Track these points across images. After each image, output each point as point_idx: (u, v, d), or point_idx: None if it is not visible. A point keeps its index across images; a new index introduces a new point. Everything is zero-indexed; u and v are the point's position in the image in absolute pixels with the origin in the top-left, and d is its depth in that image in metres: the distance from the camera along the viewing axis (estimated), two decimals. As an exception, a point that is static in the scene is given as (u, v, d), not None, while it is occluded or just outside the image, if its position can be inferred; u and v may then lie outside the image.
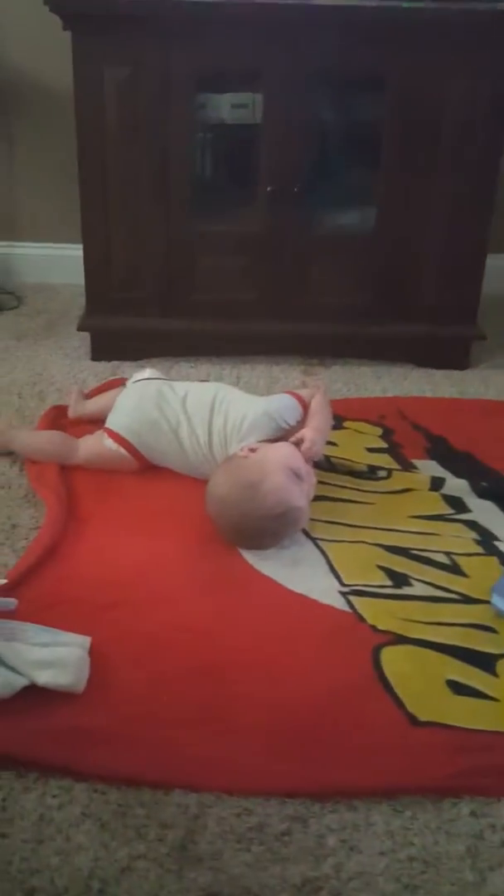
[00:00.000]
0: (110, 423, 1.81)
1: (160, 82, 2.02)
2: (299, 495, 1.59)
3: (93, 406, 1.98)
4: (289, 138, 2.10)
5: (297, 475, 1.59)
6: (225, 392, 1.81)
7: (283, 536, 1.61)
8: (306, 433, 1.67)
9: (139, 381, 1.89)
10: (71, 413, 1.98)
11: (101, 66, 1.99)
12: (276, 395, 1.83)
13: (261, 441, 1.69)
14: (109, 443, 1.78)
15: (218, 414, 1.74)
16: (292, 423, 1.73)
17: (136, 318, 2.26)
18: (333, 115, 2.26)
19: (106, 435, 1.79)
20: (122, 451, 1.77)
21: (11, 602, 1.41)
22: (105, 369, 2.26)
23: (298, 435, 1.68)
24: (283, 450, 1.64)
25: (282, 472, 1.58)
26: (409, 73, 2.04)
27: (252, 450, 1.65)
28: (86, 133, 2.08)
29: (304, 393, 1.80)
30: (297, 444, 1.66)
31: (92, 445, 1.80)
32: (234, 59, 2.05)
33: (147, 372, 1.92)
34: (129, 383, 1.91)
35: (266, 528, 1.58)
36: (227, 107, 2.16)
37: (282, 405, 1.75)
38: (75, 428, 1.92)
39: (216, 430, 1.73)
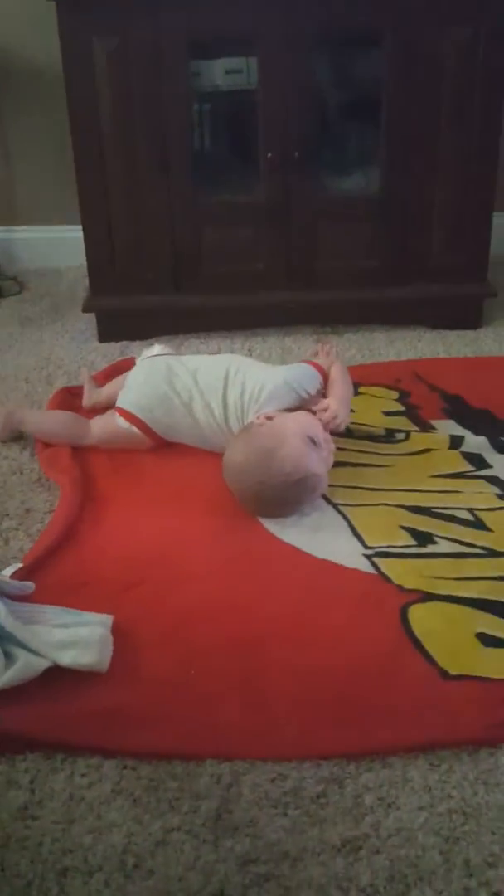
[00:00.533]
0: (121, 401, 1.78)
1: (151, 51, 1.99)
2: (317, 462, 1.56)
3: (107, 392, 1.94)
4: (286, 102, 2.06)
5: (314, 442, 1.57)
6: (238, 363, 1.77)
7: (302, 504, 1.59)
8: (331, 403, 1.66)
9: (148, 357, 1.86)
10: (86, 402, 1.94)
11: (89, 36, 1.96)
12: (295, 365, 1.80)
13: (279, 410, 1.66)
14: (121, 422, 1.75)
15: (233, 386, 1.71)
16: (312, 392, 1.71)
17: (142, 296, 2.23)
18: (331, 76, 2.21)
19: (117, 414, 1.76)
20: (135, 429, 1.74)
21: (29, 585, 1.39)
22: (113, 350, 2.23)
23: (323, 404, 1.66)
24: (300, 417, 1.62)
25: (298, 439, 1.56)
26: (407, 27, 2.00)
27: (269, 417, 1.62)
28: (78, 109, 2.05)
29: (321, 362, 1.76)
30: (321, 413, 1.64)
31: (104, 425, 1.78)
32: (226, 22, 2.01)
33: (156, 348, 1.89)
34: (138, 361, 1.88)
35: (284, 495, 1.55)
36: (220, 73, 2.12)
37: (301, 374, 1.72)
38: (83, 411, 1.89)
39: (232, 402, 1.70)
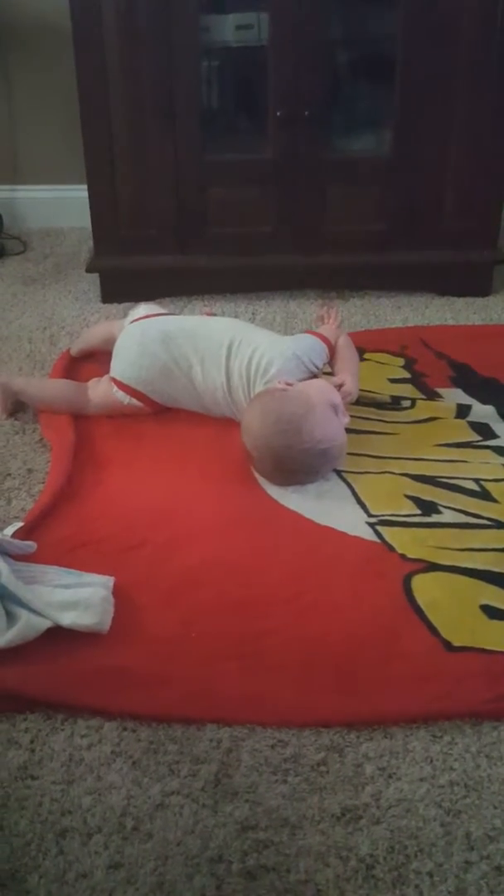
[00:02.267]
0: (116, 372, 1.73)
1: (161, 4, 1.94)
2: (341, 430, 1.56)
3: (76, 349, 1.95)
4: (297, 59, 2.02)
5: (336, 410, 1.56)
6: (242, 331, 1.72)
7: (320, 473, 1.58)
8: (346, 379, 1.65)
9: (137, 320, 1.79)
10: (73, 350, 1.95)
11: (98, -11, 1.92)
12: (301, 336, 1.75)
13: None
14: (121, 395, 1.72)
15: (236, 356, 1.67)
16: (319, 365, 1.69)
17: (146, 256, 2.21)
18: (343, 33, 2.16)
19: (115, 387, 1.73)
20: (135, 401, 1.72)
21: (31, 545, 1.38)
22: (116, 311, 2.21)
23: (337, 380, 1.65)
24: (321, 385, 1.61)
25: (326, 406, 1.55)
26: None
27: (289, 384, 1.60)
28: (85, 64, 2.01)
29: (326, 332, 1.74)
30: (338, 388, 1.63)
31: (102, 397, 1.74)
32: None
33: (142, 308, 1.82)
34: (125, 323, 1.82)
35: (310, 462, 1.54)
36: (231, 28, 2.07)
37: (309, 347, 1.69)
38: (86, 373, 1.87)
39: (236, 372, 1.66)
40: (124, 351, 1.74)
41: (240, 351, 1.67)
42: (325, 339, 1.71)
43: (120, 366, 1.73)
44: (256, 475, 1.60)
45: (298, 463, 1.54)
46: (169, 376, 1.70)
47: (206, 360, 1.68)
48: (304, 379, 1.64)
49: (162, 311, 1.84)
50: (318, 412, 1.53)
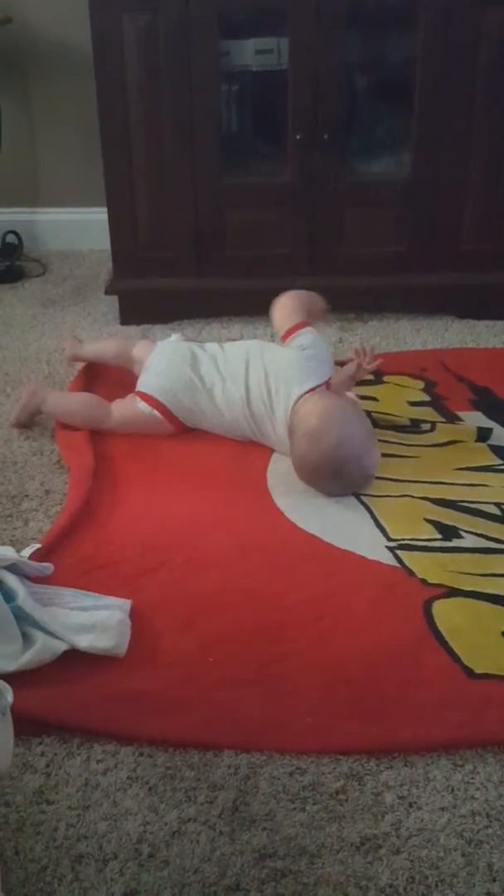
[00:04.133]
0: (143, 385, 1.76)
1: (181, 28, 1.96)
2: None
3: (92, 348, 1.98)
4: (316, 83, 2.03)
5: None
6: (257, 348, 1.75)
7: (346, 486, 1.60)
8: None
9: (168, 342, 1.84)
10: (68, 352, 1.98)
11: (118, 13, 1.94)
12: (297, 334, 1.74)
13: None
14: (143, 406, 1.73)
15: (254, 369, 1.69)
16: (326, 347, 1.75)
17: (164, 278, 2.22)
18: (362, 56, 2.18)
19: (139, 398, 1.74)
20: (157, 413, 1.72)
21: (47, 567, 1.38)
22: (135, 332, 2.21)
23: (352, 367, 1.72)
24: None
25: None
26: (441, 6, 1.96)
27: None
28: (106, 88, 2.03)
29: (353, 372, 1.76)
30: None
31: (125, 409, 1.76)
32: (256, 0, 1.98)
33: (174, 338, 1.87)
34: (158, 345, 1.85)
35: (356, 465, 1.58)
36: (251, 53, 2.08)
37: (306, 338, 1.71)
38: (109, 391, 1.87)
39: (254, 385, 1.68)
40: (153, 365, 1.78)
41: (257, 364, 1.70)
42: (299, 325, 1.72)
43: (146, 378, 1.77)
44: (274, 497, 1.59)
45: (344, 461, 1.56)
46: (193, 391, 1.72)
47: (226, 378, 1.71)
48: (324, 371, 1.69)
49: (192, 340, 1.89)
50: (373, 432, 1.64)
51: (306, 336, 1.71)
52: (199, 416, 1.74)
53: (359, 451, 1.57)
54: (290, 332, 1.72)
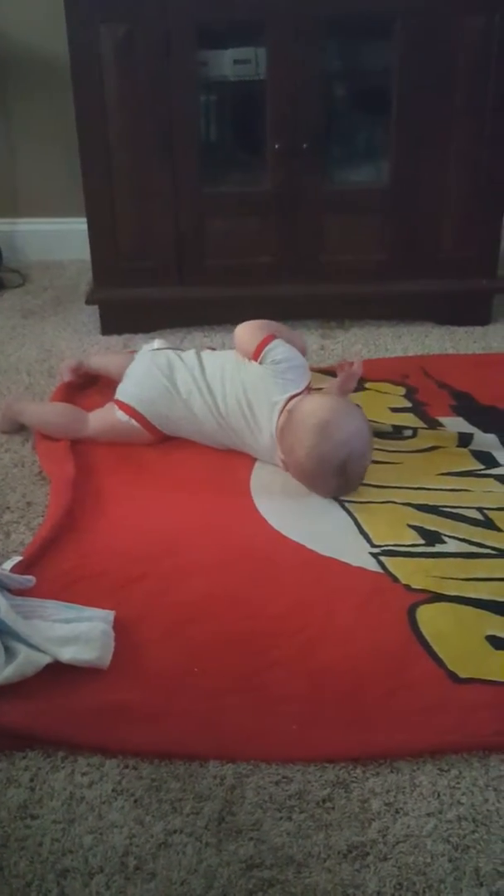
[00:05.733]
0: (120, 394, 1.76)
1: (159, 39, 1.97)
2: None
3: (96, 363, 1.97)
4: (294, 93, 2.04)
5: None
6: (234, 363, 1.72)
7: (343, 483, 1.60)
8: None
9: (149, 351, 1.84)
10: (92, 362, 1.99)
11: (96, 24, 1.94)
12: (265, 353, 1.70)
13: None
14: (120, 414, 1.73)
15: (231, 384, 1.68)
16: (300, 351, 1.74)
17: (145, 288, 2.21)
18: (341, 66, 2.19)
19: (116, 407, 1.74)
20: (134, 422, 1.72)
21: (30, 579, 1.37)
22: (116, 343, 2.21)
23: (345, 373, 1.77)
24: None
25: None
26: (418, 16, 1.97)
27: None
28: (84, 99, 2.02)
29: (342, 382, 1.79)
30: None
31: (102, 418, 1.75)
32: (234, 11, 1.99)
33: (157, 343, 1.87)
34: (138, 354, 1.85)
35: (358, 462, 1.59)
36: (229, 63, 2.08)
37: (278, 354, 1.68)
38: (87, 401, 1.87)
39: (231, 400, 1.67)
40: (131, 374, 1.78)
41: (234, 380, 1.68)
42: (266, 341, 1.69)
43: (124, 386, 1.77)
44: (257, 504, 1.59)
45: (348, 457, 1.56)
46: (170, 400, 1.71)
47: (203, 390, 1.70)
48: (303, 379, 1.69)
49: (173, 347, 1.87)
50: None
51: (278, 349, 1.68)
52: (176, 425, 1.74)
53: (364, 449, 1.59)
54: (260, 348, 1.68)
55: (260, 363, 1.68)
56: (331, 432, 1.56)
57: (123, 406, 1.73)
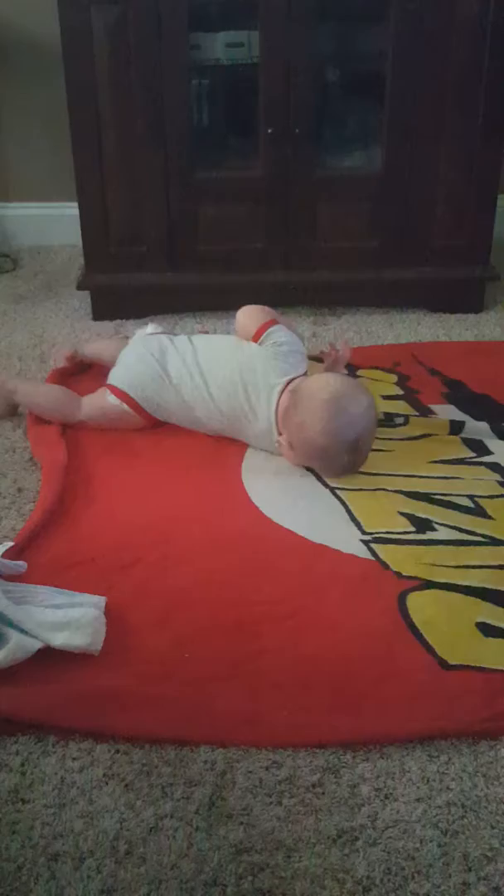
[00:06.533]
0: (113, 378, 1.76)
1: (151, 21, 1.94)
2: None
3: (90, 351, 1.97)
4: (287, 77, 2.02)
5: None
6: (234, 345, 1.73)
7: (351, 459, 1.61)
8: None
9: (142, 336, 1.84)
10: (86, 350, 1.98)
11: (87, 6, 1.91)
12: (266, 335, 1.71)
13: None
14: (112, 398, 1.72)
15: (228, 367, 1.68)
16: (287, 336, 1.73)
17: (137, 273, 2.20)
18: (334, 50, 2.17)
19: (108, 391, 1.73)
20: (126, 407, 1.72)
21: (21, 565, 1.37)
22: (108, 328, 2.20)
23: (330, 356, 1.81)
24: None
25: None
26: (411, 0, 1.95)
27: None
28: (75, 82, 2.00)
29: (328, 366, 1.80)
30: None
31: (94, 401, 1.75)
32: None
33: (150, 328, 1.87)
34: (132, 339, 1.85)
35: (367, 438, 1.60)
36: (221, 46, 2.07)
37: (279, 337, 1.69)
38: (79, 386, 1.86)
39: (227, 383, 1.67)
40: (123, 359, 1.78)
41: (231, 363, 1.68)
42: (268, 324, 1.70)
43: (116, 371, 1.76)
44: (249, 491, 1.59)
45: (359, 430, 1.58)
46: (161, 386, 1.71)
47: (195, 375, 1.69)
48: (302, 364, 1.70)
49: (167, 332, 1.87)
50: None
51: (279, 333, 1.70)
52: (167, 411, 1.73)
53: (374, 425, 1.61)
54: (261, 331, 1.70)
55: (260, 344, 1.69)
56: (344, 407, 1.56)
57: (115, 390, 1.73)
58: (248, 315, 1.74)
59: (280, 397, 1.63)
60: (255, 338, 1.70)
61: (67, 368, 1.95)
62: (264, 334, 1.69)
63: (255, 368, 1.67)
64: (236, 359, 1.69)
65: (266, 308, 1.76)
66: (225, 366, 1.68)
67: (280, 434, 1.63)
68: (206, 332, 1.91)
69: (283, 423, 1.63)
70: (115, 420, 1.73)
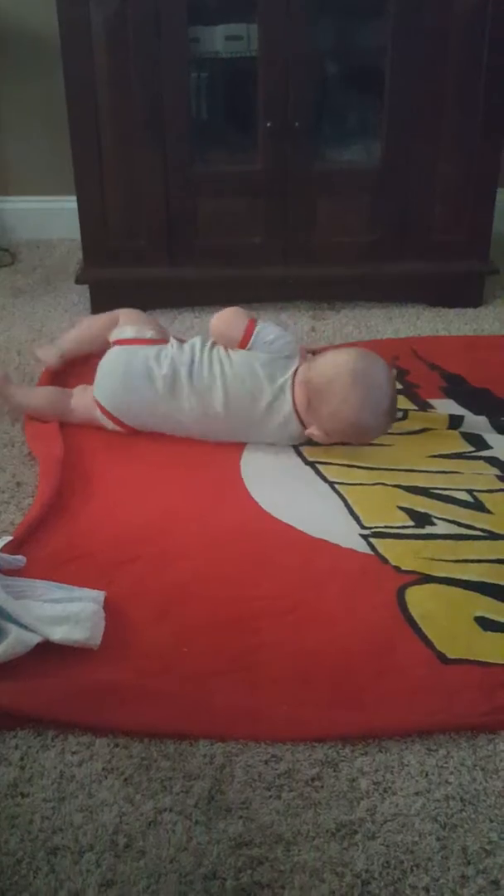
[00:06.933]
0: (100, 397, 1.70)
1: (150, 15, 1.94)
2: None
3: (70, 349, 1.91)
4: (286, 70, 2.02)
5: None
6: (225, 357, 1.68)
7: (375, 423, 1.65)
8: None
9: (121, 342, 1.75)
10: (65, 345, 1.93)
11: (86, 1, 1.91)
12: (254, 338, 1.69)
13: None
14: (100, 415, 1.71)
15: (223, 378, 1.65)
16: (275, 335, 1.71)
17: (136, 267, 2.20)
18: (333, 44, 2.16)
19: (97, 408, 1.71)
20: (118, 427, 1.71)
21: (20, 559, 1.37)
22: (107, 322, 2.19)
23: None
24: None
25: None
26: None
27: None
28: (74, 76, 2.00)
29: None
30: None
31: (85, 411, 1.73)
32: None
33: (129, 331, 1.78)
34: (111, 339, 1.78)
35: (389, 405, 1.65)
36: (220, 39, 2.06)
37: (267, 335, 1.68)
38: (74, 380, 1.84)
39: (233, 393, 1.65)
40: (109, 378, 1.71)
41: (226, 372, 1.66)
42: (249, 327, 1.68)
43: (104, 392, 1.70)
44: (248, 486, 1.59)
45: (382, 395, 1.62)
46: (153, 411, 1.69)
47: (189, 397, 1.66)
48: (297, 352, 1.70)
49: (147, 332, 1.77)
50: None
51: (266, 329, 1.69)
52: (156, 426, 1.71)
53: (391, 373, 1.66)
54: (248, 334, 1.68)
55: (249, 349, 1.68)
56: (372, 376, 1.61)
57: (106, 412, 1.70)
58: (226, 322, 1.71)
59: (293, 392, 1.64)
60: (244, 343, 1.68)
61: (60, 368, 1.92)
62: (252, 339, 1.68)
63: (257, 373, 1.65)
64: (232, 371, 1.66)
65: (238, 309, 1.73)
66: (221, 386, 1.65)
67: (305, 427, 1.65)
68: (183, 342, 1.78)
69: (307, 416, 1.63)
70: (106, 428, 1.72)
